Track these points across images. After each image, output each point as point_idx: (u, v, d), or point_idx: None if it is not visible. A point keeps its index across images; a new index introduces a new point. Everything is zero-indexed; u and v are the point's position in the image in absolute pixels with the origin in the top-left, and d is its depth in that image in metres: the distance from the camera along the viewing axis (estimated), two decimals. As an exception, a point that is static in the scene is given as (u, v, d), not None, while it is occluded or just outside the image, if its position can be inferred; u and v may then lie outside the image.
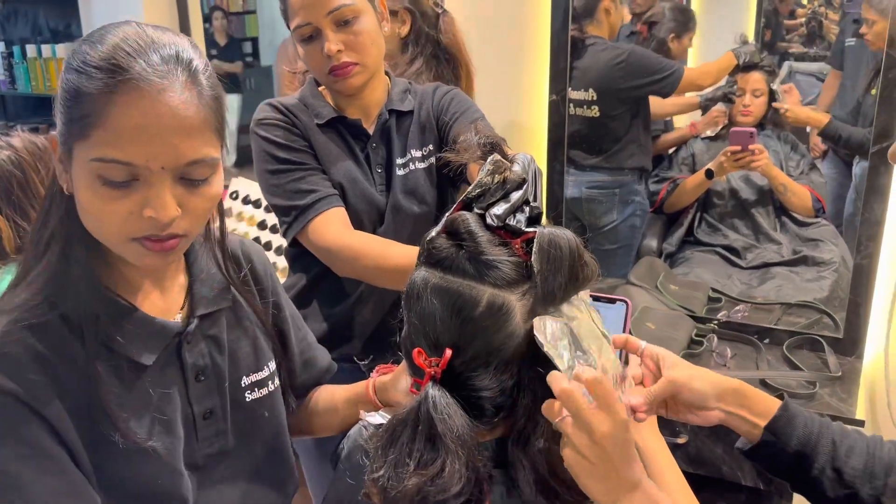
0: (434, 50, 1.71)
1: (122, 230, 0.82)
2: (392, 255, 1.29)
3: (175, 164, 0.80)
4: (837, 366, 1.77)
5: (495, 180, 0.84)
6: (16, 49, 2.99)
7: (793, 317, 2.04)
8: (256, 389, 1.03)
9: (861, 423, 1.60)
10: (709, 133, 2.49)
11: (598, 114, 2.33)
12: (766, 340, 1.92)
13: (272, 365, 1.06)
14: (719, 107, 2.45)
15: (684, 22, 2.45)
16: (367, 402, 1.10)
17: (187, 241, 0.87)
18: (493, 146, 0.87)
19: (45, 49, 2.89)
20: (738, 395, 0.97)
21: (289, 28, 1.39)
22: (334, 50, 1.32)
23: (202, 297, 0.97)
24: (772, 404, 0.98)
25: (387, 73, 1.50)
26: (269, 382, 1.05)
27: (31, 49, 2.94)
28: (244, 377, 1.02)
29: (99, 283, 0.88)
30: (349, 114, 1.44)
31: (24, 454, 0.80)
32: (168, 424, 0.92)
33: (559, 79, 2.03)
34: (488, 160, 0.85)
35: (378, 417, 0.89)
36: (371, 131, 1.45)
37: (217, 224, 0.99)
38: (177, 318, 0.95)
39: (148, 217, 0.80)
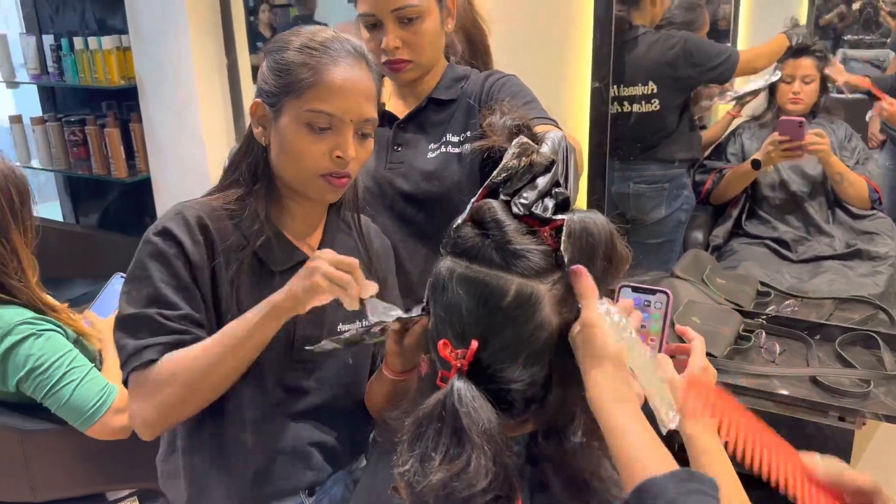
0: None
1: (316, 166, 1.10)
2: None
3: (358, 118, 1.10)
4: (894, 363, 1.69)
5: (522, 164, 0.81)
6: (63, 42, 3.03)
7: (846, 312, 1.96)
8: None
9: (918, 424, 1.52)
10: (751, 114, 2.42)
11: (658, 107, 2.28)
12: (818, 336, 1.84)
13: (366, 323, 1.18)
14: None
15: (692, 20, 2.38)
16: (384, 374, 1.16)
17: (350, 181, 1.14)
18: (520, 127, 0.84)
19: (92, 41, 2.91)
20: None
21: (356, 8, 1.42)
22: (391, 46, 1.36)
23: (328, 243, 1.21)
24: None
25: (449, 59, 1.51)
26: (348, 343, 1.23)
27: (78, 41, 2.97)
28: (340, 323, 1.21)
29: (267, 212, 1.16)
30: (400, 96, 1.50)
31: (169, 280, 1.09)
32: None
33: (602, 65, 1.98)
34: (514, 142, 0.82)
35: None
36: (402, 115, 1.48)
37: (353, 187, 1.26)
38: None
39: (336, 157, 1.09)
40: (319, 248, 1.20)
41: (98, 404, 1.56)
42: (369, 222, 1.32)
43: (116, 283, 1.94)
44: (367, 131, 1.13)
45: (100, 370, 1.65)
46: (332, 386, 1.22)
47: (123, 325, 1.10)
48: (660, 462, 0.72)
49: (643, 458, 0.73)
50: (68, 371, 1.56)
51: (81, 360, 1.60)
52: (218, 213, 1.13)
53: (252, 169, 1.16)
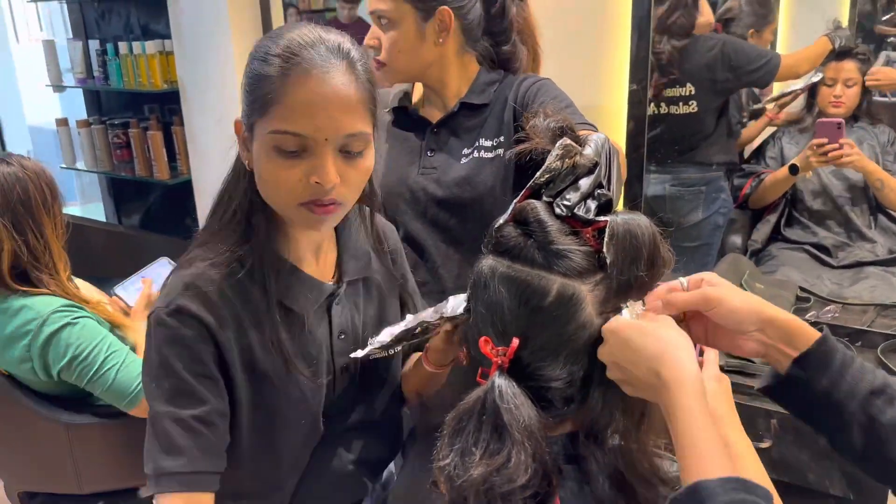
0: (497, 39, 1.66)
1: (293, 195, 0.94)
2: None
3: (336, 136, 0.92)
4: (937, 371, 1.66)
5: (564, 165, 0.82)
6: (109, 46, 3.10)
7: (888, 319, 1.92)
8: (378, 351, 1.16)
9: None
10: (790, 117, 2.38)
11: (696, 109, 2.26)
12: (859, 343, 1.82)
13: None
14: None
15: (764, 14, 2.34)
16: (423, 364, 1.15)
17: (344, 209, 0.99)
18: (563, 129, 0.84)
19: (136, 46, 2.98)
20: (780, 327, 0.82)
21: None
22: (366, 44, 1.43)
23: (350, 266, 1.12)
24: (812, 338, 0.82)
25: (486, 63, 1.51)
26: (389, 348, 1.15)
27: (122, 46, 3.03)
28: (370, 338, 1.09)
29: (274, 246, 1.03)
30: (433, 101, 1.51)
31: (192, 368, 0.97)
32: (318, 372, 1.08)
33: (640, 67, 1.97)
34: (557, 144, 0.82)
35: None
36: (436, 120, 1.49)
37: (369, 200, 1.13)
38: (329, 282, 1.10)
39: (314, 182, 0.92)
40: (340, 278, 1.11)
41: (140, 385, 1.60)
42: (379, 219, 1.22)
43: (161, 265, 2.00)
44: (355, 149, 0.95)
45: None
46: (373, 403, 1.20)
47: (151, 421, 1.00)
48: (719, 465, 0.71)
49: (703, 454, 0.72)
50: (108, 356, 1.62)
51: (118, 344, 1.66)
52: (229, 269, 1.00)
53: (245, 200, 1.01)
